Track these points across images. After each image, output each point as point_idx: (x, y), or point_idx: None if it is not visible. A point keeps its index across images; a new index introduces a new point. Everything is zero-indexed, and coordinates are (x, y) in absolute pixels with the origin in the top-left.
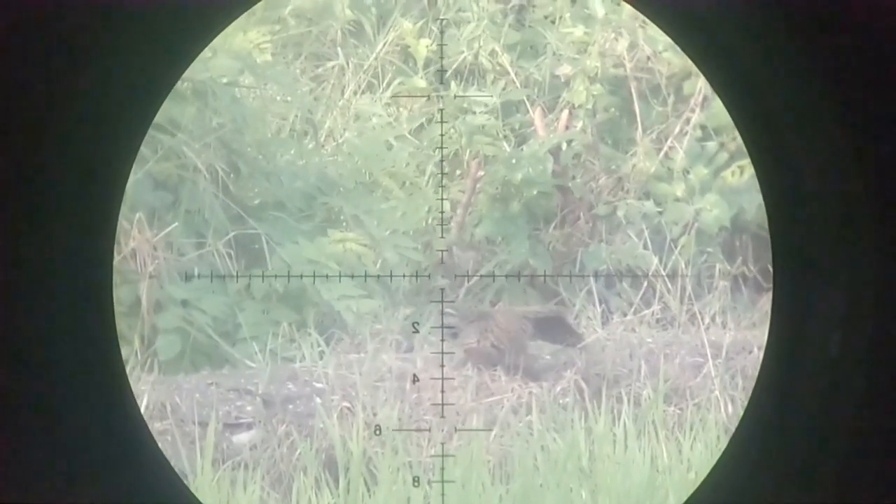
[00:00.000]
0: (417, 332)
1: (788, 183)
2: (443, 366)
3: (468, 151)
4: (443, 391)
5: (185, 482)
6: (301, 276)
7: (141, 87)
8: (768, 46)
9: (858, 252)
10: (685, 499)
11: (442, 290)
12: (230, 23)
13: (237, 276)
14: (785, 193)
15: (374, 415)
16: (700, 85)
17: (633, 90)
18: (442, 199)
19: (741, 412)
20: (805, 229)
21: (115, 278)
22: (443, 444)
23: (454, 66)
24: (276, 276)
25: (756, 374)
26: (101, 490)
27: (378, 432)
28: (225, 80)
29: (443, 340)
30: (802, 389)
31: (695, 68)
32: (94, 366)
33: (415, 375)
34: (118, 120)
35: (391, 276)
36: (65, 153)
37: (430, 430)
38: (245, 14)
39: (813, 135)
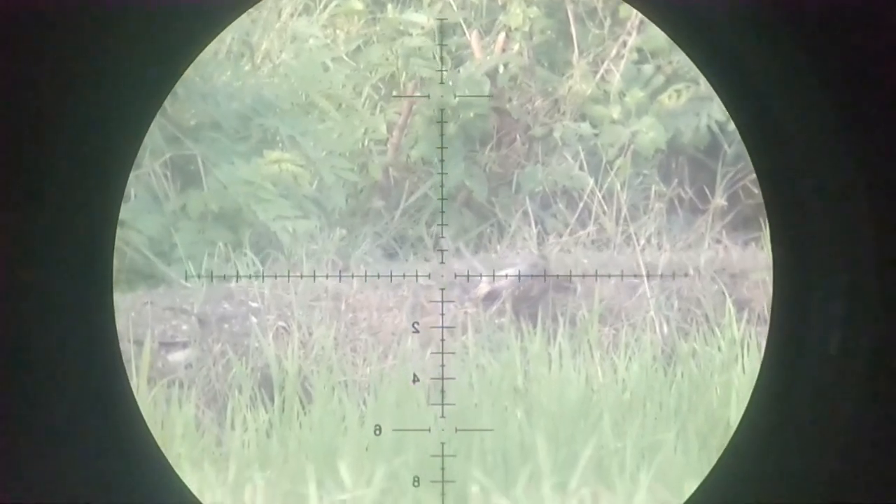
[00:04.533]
0: (417, 331)
1: (788, 183)
2: (443, 365)
3: (404, 73)
4: (443, 391)
5: (185, 482)
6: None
7: (140, 88)
8: (770, 47)
9: (858, 252)
10: (688, 496)
11: (442, 289)
12: (230, 23)
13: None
14: (785, 194)
15: (310, 334)
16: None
17: (569, 13)
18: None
19: (675, 335)
20: (805, 229)
21: None
22: (443, 443)
23: None
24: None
25: (692, 295)
26: (101, 490)
27: (378, 432)
28: None
29: (443, 340)
30: (802, 389)
31: None
32: (93, 364)
33: (415, 375)
34: (117, 120)
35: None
36: (64, 152)
37: (429, 429)
38: None
39: (814, 135)
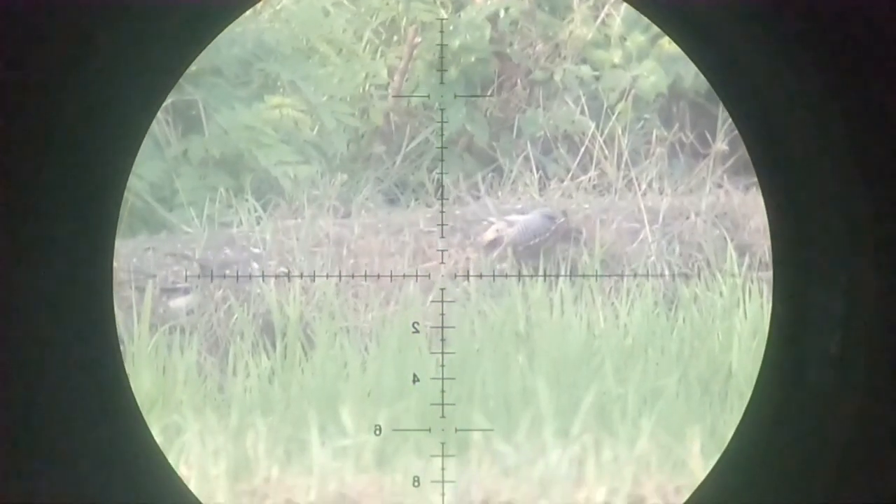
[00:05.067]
0: (417, 332)
1: (789, 185)
2: (443, 366)
3: (405, 18)
4: (443, 391)
5: (184, 479)
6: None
7: (140, 88)
8: (774, 54)
9: (858, 252)
10: (688, 497)
11: (442, 289)
12: (230, 23)
13: None
14: (786, 195)
15: (312, 280)
16: None
17: None
18: None
19: (677, 280)
20: (805, 230)
21: None
22: (443, 444)
23: None
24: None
25: (692, 239)
26: (100, 489)
27: (378, 432)
28: None
29: (443, 340)
30: (802, 389)
31: None
32: (92, 361)
33: (414, 375)
34: (118, 119)
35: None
36: (65, 151)
37: (429, 430)
38: None
39: (814, 137)
